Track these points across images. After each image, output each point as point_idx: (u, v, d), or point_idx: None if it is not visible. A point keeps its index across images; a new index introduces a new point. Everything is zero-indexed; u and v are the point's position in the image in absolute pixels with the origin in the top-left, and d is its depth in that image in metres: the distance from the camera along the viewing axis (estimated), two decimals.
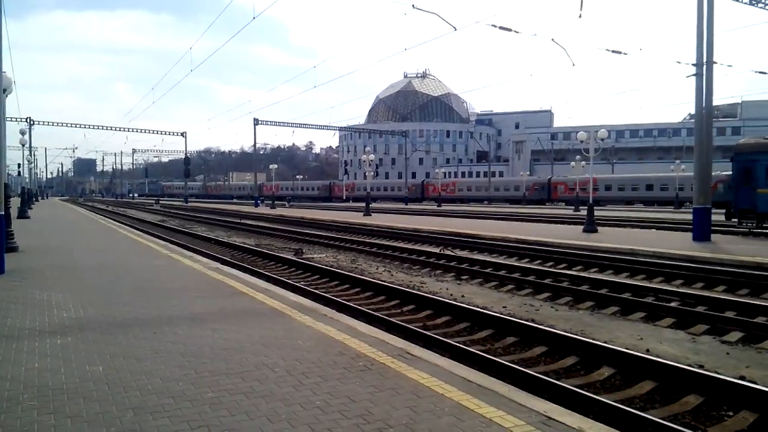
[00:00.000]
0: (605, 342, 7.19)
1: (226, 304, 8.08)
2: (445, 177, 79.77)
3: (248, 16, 25.06)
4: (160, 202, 79.45)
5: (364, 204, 39.63)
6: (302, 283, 12.15)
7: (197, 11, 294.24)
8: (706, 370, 6.16)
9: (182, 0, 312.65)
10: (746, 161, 20.55)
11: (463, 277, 13.29)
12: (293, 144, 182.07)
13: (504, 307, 9.97)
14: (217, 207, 60.37)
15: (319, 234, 24.78)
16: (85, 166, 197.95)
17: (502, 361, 6.41)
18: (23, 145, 36.83)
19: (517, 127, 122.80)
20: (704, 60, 18.46)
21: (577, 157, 44.17)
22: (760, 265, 12.87)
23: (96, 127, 70.72)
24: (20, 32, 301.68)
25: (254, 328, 6.59)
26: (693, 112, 19.76)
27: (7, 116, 12.63)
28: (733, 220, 21.76)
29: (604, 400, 5.26)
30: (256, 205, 59.53)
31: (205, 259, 13.71)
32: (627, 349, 6.80)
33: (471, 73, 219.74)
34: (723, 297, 9.95)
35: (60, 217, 36.32)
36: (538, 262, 15.62)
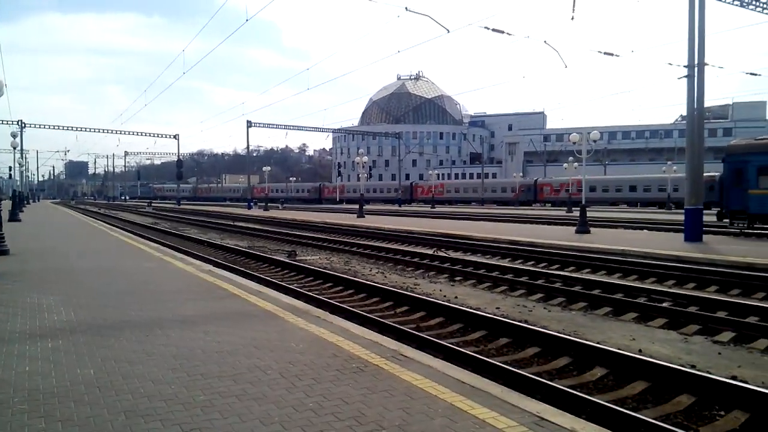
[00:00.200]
0: (598, 342, 7.21)
1: (219, 306, 8.04)
2: (439, 178, 80.00)
3: (241, 18, 25.00)
4: (153, 204, 79.05)
5: (355, 206, 39.60)
6: (295, 285, 12.13)
7: (190, 13, 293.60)
8: (698, 370, 6.19)
9: (175, 2, 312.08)
10: (738, 162, 20.69)
11: (456, 279, 13.30)
12: (286, 146, 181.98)
13: (497, 308, 9.98)
14: (210, 209, 60.19)
15: (313, 236, 24.74)
16: (76, 169, 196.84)
17: (495, 362, 6.42)
18: (14, 148, 36.50)
19: (510, 128, 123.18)
20: (696, 62, 18.57)
21: (570, 158, 44.26)
22: (752, 265, 12.95)
23: (88, 129, 70.19)
24: (12, 34, 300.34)
25: (247, 330, 6.57)
26: (685, 113, 19.88)
27: None
28: (724, 220, 21.89)
29: (596, 400, 5.27)
30: (249, 207, 59.40)
31: (197, 262, 13.66)
32: (619, 349, 6.82)
33: (464, 75, 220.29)
34: (715, 297, 10.00)
35: (51, 220, 36.12)
36: (531, 263, 15.65)
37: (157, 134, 76.34)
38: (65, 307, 7.86)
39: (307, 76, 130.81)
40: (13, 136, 35.63)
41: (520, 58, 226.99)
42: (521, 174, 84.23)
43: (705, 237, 19.10)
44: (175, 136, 76.10)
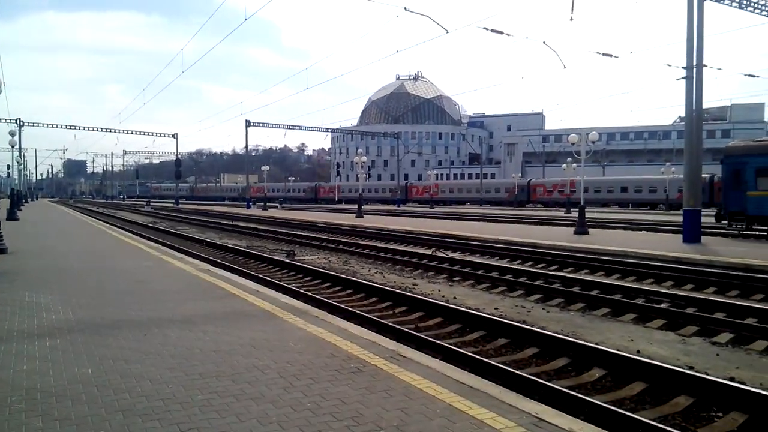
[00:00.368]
0: (596, 343, 7.21)
1: (217, 305, 8.03)
2: (437, 179, 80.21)
3: (240, 18, 25.01)
4: (151, 203, 79.01)
5: (353, 205, 39.57)
6: (294, 284, 12.12)
7: (189, 12, 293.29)
8: (696, 371, 6.19)
9: (174, 1, 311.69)
10: (736, 164, 20.70)
11: (455, 279, 13.31)
12: (285, 145, 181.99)
13: (496, 308, 9.98)
14: (209, 209, 60.14)
15: (312, 236, 24.73)
16: (75, 168, 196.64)
17: (494, 363, 6.42)
18: (13, 146, 36.51)
19: (508, 129, 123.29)
20: (694, 63, 18.59)
21: (568, 159, 44.30)
22: (750, 266, 12.96)
23: (86, 128, 70.10)
24: (10, 32, 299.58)
25: (245, 330, 6.56)
26: (683, 114, 19.90)
27: None
28: (723, 222, 21.90)
29: (595, 401, 5.27)
30: (248, 207, 59.36)
31: (195, 261, 13.64)
32: (618, 350, 6.82)
33: (463, 75, 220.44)
34: (713, 298, 10.01)
35: (50, 218, 36.07)
36: (529, 263, 15.66)
37: (156, 133, 76.28)
38: (63, 306, 7.85)
39: (306, 76, 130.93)
40: (12, 134, 35.63)
41: (518, 58, 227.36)
42: (520, 175, 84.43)
43: (703, 238, 19.13)
44: (173, 136, 76.08)
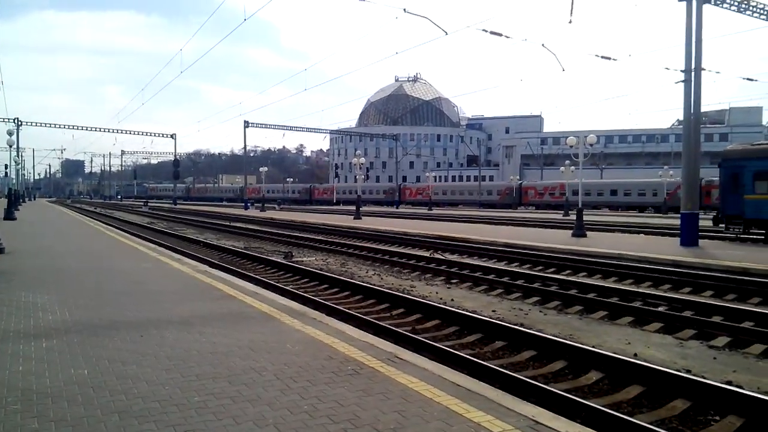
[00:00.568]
0: (593, 346, 7.21)
1: (215, 307, 8.02)
2: (435, 180, 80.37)
3: (239, 18, 25.05)
4: (149, 204, 78.94)
5: (350, 206, 39.55)
6: (291, 286, 12.11)
7: (188, 13, 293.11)
8: (693, 374, 6.19)
9: (173, 1, 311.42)
10: (734, 167, 20.74)
11: (452, 281, 13.30)
12: (284, 146, 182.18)
13: (493, 311, 9.98)
14: (207, 210, 60.08)
15: (309, 237, 24.71)
16: (73, 168, 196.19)
17: (491, 366, 6.41)
18: (11, 146, 36.41)
19: (507, 131, 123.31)
20: (692, 66, 18.63)
21: (567, 162, 44.34)
22: (747, 270, 12.98)
23: (85, 128, 70.08)
24: (9, 32, 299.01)
25: (242, 331, 6.55)
26: (681, 118, 19.92)
27: None
28: (720, 225, 21.94)
29: (592, 404, 5.27)
30: (246, 208, 59.33)
31: (193, 262, 13.62)
32: (615, 353, 6.82)
33: (462, 77, 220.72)
34: (710, 302, 10.03)
35: (47, 218, 36.01)
36: (527, 266, 15.66)
37: (154, 134, 76.28)
38: (60, 306, 7.83)
39: (305, 77, 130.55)
40: (9, 134, 35.52)
41: (517, 60, 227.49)
42: (518, 177, 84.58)
43: (701, 242, 19.16)
44: (172, 136, 76.10)
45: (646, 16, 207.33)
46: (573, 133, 25.68)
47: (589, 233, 22.89)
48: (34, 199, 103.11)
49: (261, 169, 69.61)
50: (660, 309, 9.56)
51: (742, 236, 21.10)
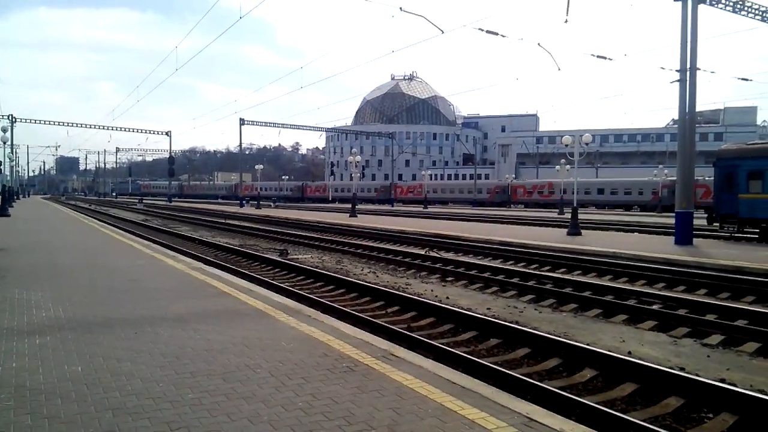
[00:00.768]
0: (588, 344, 7.23)
1: (209, 304, 8.00)
2: (431, 179, 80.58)
3: (235, 16, 25.00)
4: (144, 201, 78.72)
5: (344, 204, 39.55)
6: (287, 283, 12.09)
7: (183, 10, 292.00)
8: (687, 372, 6.21)
9: None
10: (728, 167, 20.82)
11: (448, 279, 13.31)
12: (279, 144, 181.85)
13: (488, 308, 9.99)
14: (202, 207, 59.93)
15: (305, 235, 24.70)
16: (67, 165, 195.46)
17: (486, 363, 6.42)
18: (5, 143, 36.26)
19: (503, 130, 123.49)
20: (688, 66, 18.69)
21: (562, 161, 44.47)
22: (741, 269, 13.04)
23: (79, 125, 69.72)
24: (2, 29, 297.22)
25: (237, 329, 6.54)
26: (676, 117, 19.98)
27: None
28: (714, 224, 22.03)
29: (586, 401, 5.28)
30: (242, 206, 59.23)
31: (188, 259, 13.59)
32: (609, 351, 6.84)
33: (458, 76, 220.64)
34: (704, 300, 10.07)
35: (42, 215, 35.87)
36: (522, 264, 15.69)
37: (149, 131, 75.92)
38: (54, 303, 7.79)
39: (301, 75, 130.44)
40: (3, 130, 35.42)
41: (513, 59, 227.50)
42: (514, 176, 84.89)
43: (695, 240, 19.23)
44: (167, 133, 75.77)
45: (642, 16, 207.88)
46: (569, 132, 25.72)
47: (583, 231, 22.96)
48: (29, 196, 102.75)
49: (257, 166, 69.61)
50: (654, 307, 9.59)
51: (736, 235, 21.19)
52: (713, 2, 19.79)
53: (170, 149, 78.44)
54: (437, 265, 14.93)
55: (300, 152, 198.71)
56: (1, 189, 32.07)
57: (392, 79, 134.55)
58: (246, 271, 13.44)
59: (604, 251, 16.29)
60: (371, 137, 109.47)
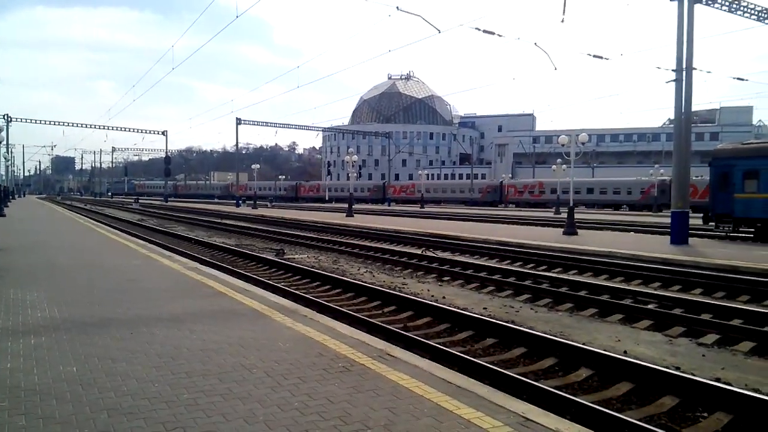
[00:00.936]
0: (584, 344, 7.24)
1: (205, 304, 7.99)
2: (428, 178, 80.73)
3: (232, 15, 24.86)
4: (139, 201, 78.55)
5: (341, 204, 39.55)
6: (283, 283, 12.08)
7: (181, 9, 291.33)
8: (682, 371, 6.23)
9: None
10: (724, 166, 20.88)
11: (444, 279, 13.32)
12: (276, 144, 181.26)
13: (484, 308, 10.00)
14: (198, 207, 59.82)
15: (301, 234, 24.68)
16: (63, 164, 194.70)
17: (482, 363, 6.43)
18: (0, 142, 36.14)
19: (499, 130, 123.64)
20: (684, 66, 18.72)
21: (558, 160, 44.46)
22: (736, 268, 13.07)
23: (75, 124, 69.60)
24: (0, 28, 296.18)
25: (233, 329, 6.53)
26: (672, 117, 20.03)
27: None
28: (710, 223, 22.10)
29: (581, 401, 5.29)
30: (238, 205, 59.14)
31: (184, 259, 13.57)
32: (605, 350, 6.86)
33: (455, 75, 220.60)
34: (700, 300, 10.10)
35: (37, 215, 35.76)
36: (518, 264, 15.70)
37: (145, 130, 75.76)
38: (49, 303, 7.77)
39: (297, 74, 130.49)
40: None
41: (510, 59, 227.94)
42: (510, 175, 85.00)
43: (691, 240, 19.29)
44: (163, 133, 75.62)
45: (638, 16, 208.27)
46: (565, 132, 25.73)
47: (579, 231, 22.99)
48: (24, 196, 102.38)
49: (253, 166, 69.42)
50: (650, 306, 9.61)
51: (731, 234, 21.25)
52: (709, 2, 19.84)
53: (166, 149, 78.27)
54: (434, 265, 14.94)
55: (297, 152, 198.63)
56: None
57: (389, 78, 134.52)
58: (242, 271, 13.42)
59: (600, 251, 16.32)
60: (368, 137, 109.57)
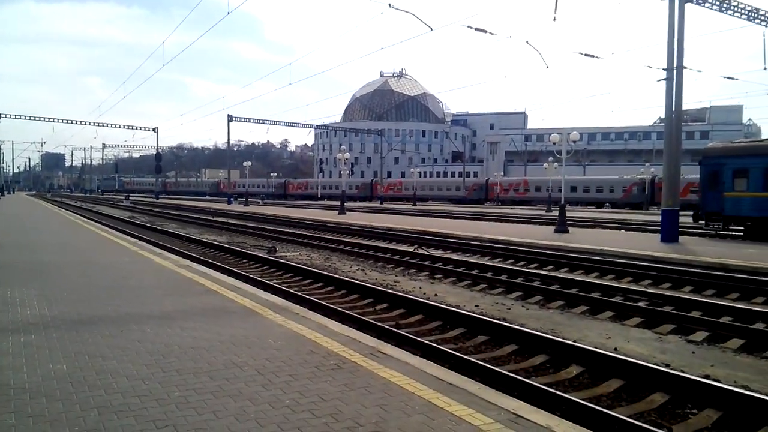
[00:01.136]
0: (574, 341, 7.27)
1: (196, 302, 7.96)
2: (420, 176, 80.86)
3: (222, 11, 24.78)
4: (130, 198, 78.08)
5: (333, 202, 39.52)
6: (274, 281, 12.06)
7: (170, 5, 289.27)
8: (672, 368, 6.27)
9: None
10: (714, 165, 21.02)
11: (436, 276, 13.34)
12: (268, 141, 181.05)
13: (476, 306, 10.02)
14: (190, 204, 59.55)
15: (293, 232, 24.63)
16: (53, 161, 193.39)
17: (473, 360, 6.45)
18: None
19: (491, 128, 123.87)
20: (674, 65, 18.82)
21: (550, 158, 44.69)
22: (726, 266, 13.17)
23: (65, 120, 68.99)
24: None
25: (224, 326, 6.51)
26: (663, 115, 20.14)
27: None
28: (700, 222, 22.25)
29: (572, 398, 5.32)
30: (229, 203, 58.95)
31: (175, 257, 13.51)
32: (595, 347, 6.89)
33: (447, 73, 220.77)
34: (689, 297, 10.15)
35: (27, 212, 35.49)
36: (510, 261, 15.74)
37: (136, 127, 75.39)
38: (39, 301, 7.72)
39: (289, 71, 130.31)
40: None
41: (502, 57, 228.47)
42: (502, 173, 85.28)
43: (681, 238, 19.41)
44: (154, 129, 75.18)
45: (629, 15, 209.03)
46: (556, 130, 25.80)
47: (571, 229, 23.09)
48: (13, 193, 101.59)
49: (245, 163, 69.28)
50: (640, 304, 9.66)
51: (721, 233, 21.40)
52: (700, 1, 19.95)
53: (157, 145, 77.80)
54: (425, 263, 14.96)
55: (289, 149, 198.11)
56: None
57: (381, 76, 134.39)
58: (233, 269, 13.37)
59: (590, 249, 16.39)
60: (360, 134, 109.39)
